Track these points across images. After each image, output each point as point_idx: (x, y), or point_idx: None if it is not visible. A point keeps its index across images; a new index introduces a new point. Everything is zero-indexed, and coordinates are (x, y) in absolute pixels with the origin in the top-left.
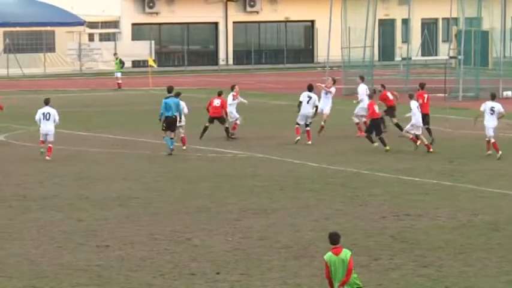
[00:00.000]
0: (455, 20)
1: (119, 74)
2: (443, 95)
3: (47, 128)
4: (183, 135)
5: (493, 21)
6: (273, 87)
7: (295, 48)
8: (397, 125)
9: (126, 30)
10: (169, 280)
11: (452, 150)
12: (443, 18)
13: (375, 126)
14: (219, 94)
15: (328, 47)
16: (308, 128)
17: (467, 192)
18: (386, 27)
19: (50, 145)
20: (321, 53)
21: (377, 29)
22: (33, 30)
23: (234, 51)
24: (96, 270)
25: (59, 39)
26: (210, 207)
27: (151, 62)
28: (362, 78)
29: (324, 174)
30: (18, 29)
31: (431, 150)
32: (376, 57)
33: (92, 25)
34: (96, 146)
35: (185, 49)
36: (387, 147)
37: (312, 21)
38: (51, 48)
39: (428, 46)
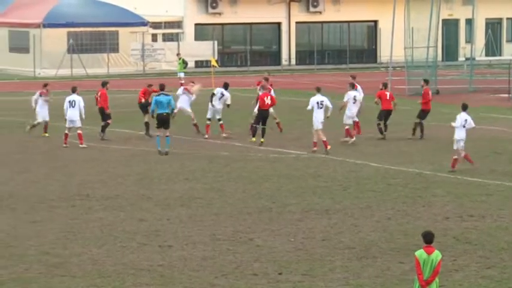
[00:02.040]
0: None
1: (182, 74)
2: (507, 95)
3: (72, 114)
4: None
5: None
6: (335, 87)
7: (358, 49)
8: (380, 127)
9: (189, 30)
10: (231, 280)
11: None
12: (507, 18)
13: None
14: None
15: (392, 47)
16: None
17: None
18: (449, 27)
19: (79, 131)
20: (384, 53)
21: (440, 29)
22: (97, 31)
23: (296, 52)
24: (159, 270)
25: (123, 40)
26: (271, 207)
27: (213, 62)
28: (353, 78)
29: (386, 174)
30: (81, 29)
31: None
32: (439, 58)
33: (155, 25)
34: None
35: (248, 49)
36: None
37: (375, 21)
38: (115, 49)
39: (492, 46)
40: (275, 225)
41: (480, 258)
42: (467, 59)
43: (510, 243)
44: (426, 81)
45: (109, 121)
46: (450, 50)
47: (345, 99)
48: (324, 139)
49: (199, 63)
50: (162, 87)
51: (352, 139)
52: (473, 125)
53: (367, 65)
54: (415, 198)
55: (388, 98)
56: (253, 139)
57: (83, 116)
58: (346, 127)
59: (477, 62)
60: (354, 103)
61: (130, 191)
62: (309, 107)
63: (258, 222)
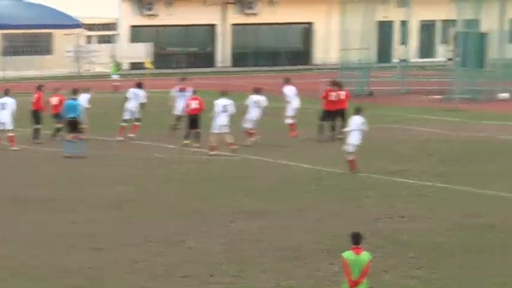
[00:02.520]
0: (453, 22)
1: (116, 76)
2: (439, 96)
3: (3, 116)
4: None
5: (490, 23)
6: (269, 89)
7: (293, 50)
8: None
9: (124, 32)
10: (162, 283)
11: (447, 153)
12: (441, 20)
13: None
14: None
15: (326, 49)
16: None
17: (462, 194)
18: (384, 29)
19: (9, 134)
20: (319, 55)
21: (375, 31)
22: (31, 33)
23: (232, 54)
24: (89, 273)
25: (57, 42)
26: (203, 209)
27: (148, 64)
28: (287, 80)
29: (318, 176)
30: (15, 31)
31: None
32: (373, 59)
33: (90, 27)
34: (90, 148)
35: (183, 51)
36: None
37: (310, 23)
38: (49, 51)
39: (426, 48)
40: (207, 227)
41: (410, 259)
42: (401, 60)
43: (440, 244)
44: (335, 83)
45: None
46: (384, 51)
47: (247, 103)
48: (230, 141)
49: (134, 66)
50: (74, 92)
51: (253, 139)
52: (366, 128)
53: (302, 66)
54: (347, 200)
55: (333, 98)
56: (186, 141)
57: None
58: (290, 122)
59: (411, 63)
60: (256, 107)
61: (62, 193)
62: (215, 111)
63: (189, 224)
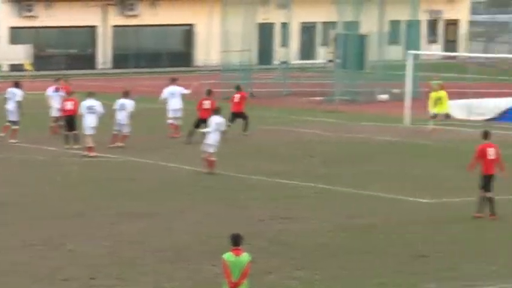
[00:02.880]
0: (334, 23)
1: None
2: (320, 98)
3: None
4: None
5: (370, 25)
6: (149, 91)
7: (175, 52)
8: (191, 132)
9: (3, 33)
10: (43, 286)
11: (328, 154)
12: (321, 22)
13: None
14: (208, 93)
15: (207, 51)
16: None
17: (343, 195)
18: (265, 30)
19: None
20: (200, 57)
21: (256, 33)
22: None
23: (113, 55)
24: None
25: None
26: (85, 212)
27: (27, 66)
28: (173, 81)
29: (199, 177)
30: None
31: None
32: (254, 61)
33: None
34: None
35: (63, 53)
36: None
37: (192, 25)
38: None
39: (307, 50)
40: (88, 229)
41: (292, 260)
42: (281, 62)
43: (322, 245)
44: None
45: None
46: (265, 53)
47: (114, 106)
48: (90, 145)
49: (13, 67)
50: None
51: (120, 144)
52: (224, 128)
53: (183, 68)
54: (230, 201)
55: (207, 106)
56: (67, 146)
57: None
58: (172, 121)
59: (291, 65)
60: (123, 110)
61: None
62: (81, 111)
63: (71, 226)
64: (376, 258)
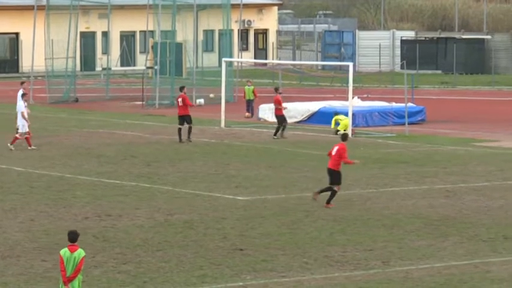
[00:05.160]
0: (152, 32)
1: None
2: (141, 102)
3: None
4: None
5: (186, 34)
6: None
7: (1, 59)
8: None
9: None
10: None
11: (149, 154)
12: (140, 31)
13: None
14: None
15: (33, 58)
16: None
17: (164, 193)
18: (87, 39)
19: None
20: (26, 64)
21: (79, 41)
22: None
23: None
24: None
25: None
26: None
27: None
28: (23, 83)
29: (30, 178)
30: None
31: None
32: (78, 68)
33: None
34: None
35: None
36: None
37: (17, 33)
38: None
39: (127, 57)
40: None
41: (117, 255)
42: (103, 69)
43: (145, 240)
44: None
45: None
46: (88, 60)
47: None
48: None
49: None
50: None
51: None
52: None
53: (10, 74)
54: (57, 200)
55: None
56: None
57: None
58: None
59: (113, 71)
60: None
61: None
62: None
63: None
64: (196, 252)
